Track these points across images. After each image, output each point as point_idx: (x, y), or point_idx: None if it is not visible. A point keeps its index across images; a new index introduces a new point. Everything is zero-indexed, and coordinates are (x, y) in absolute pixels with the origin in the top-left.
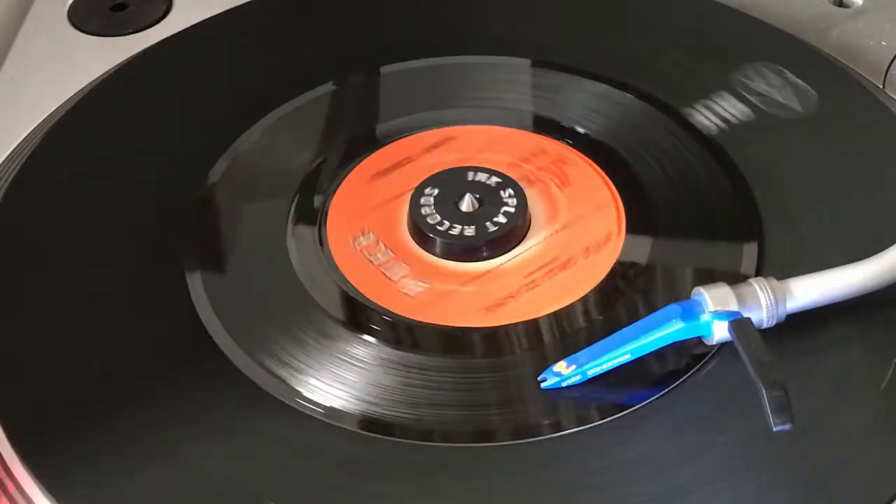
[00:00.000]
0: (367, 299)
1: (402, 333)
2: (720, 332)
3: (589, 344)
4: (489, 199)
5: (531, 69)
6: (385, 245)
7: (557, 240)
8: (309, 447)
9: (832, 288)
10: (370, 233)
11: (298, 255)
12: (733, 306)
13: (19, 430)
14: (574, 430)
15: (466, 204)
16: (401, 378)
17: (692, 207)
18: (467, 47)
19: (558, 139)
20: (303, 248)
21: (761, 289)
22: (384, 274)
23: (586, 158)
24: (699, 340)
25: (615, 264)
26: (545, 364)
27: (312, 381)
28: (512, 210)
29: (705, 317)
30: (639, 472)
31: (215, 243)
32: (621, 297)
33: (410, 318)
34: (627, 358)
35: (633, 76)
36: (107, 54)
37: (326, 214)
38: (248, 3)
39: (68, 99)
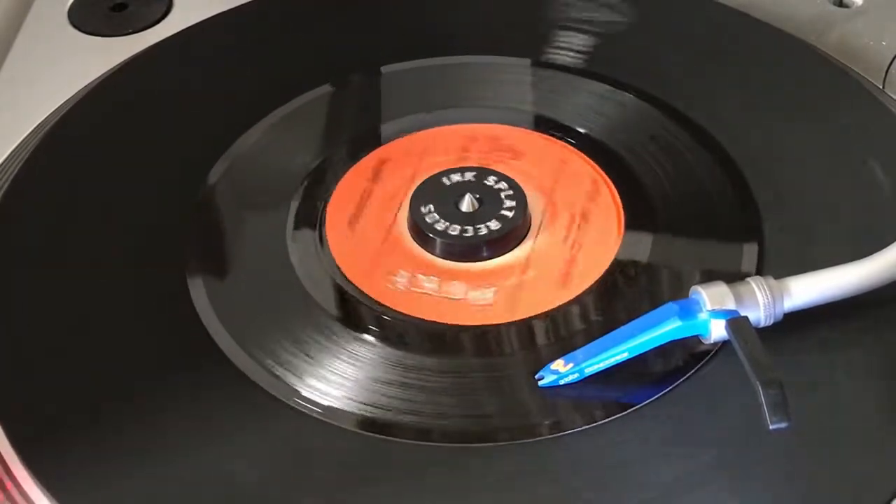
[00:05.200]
0: (367, 299)
1: (401, 333)
2: (717, 330)
3: (587, 343)
4: (489, 200)
5: (531, 69)
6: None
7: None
8: (309, 447)
9: (830, 287)
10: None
11: (298, 255)
12: (730, 305)
13: (19, 430)
14: (574, 429)
15: (466, 204)
16: (400, 377)
17: (692, 207)
18: (467, 47)
19: (558, 139)
20: (303, 248)
21: (759, 288)
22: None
23: (586, 158)
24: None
25: (615, 264)
26: (544, 363)
27: (312, 380)
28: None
29: (702, 315)
30: (639, 471)
31: (216, 243)
32: (621, 297)
33: (410, 317)
34: (625, 356)
35: (633, 76)
36: (107, 54)
37: (326, 214)
38: (248, 3)
39: (68, 99)
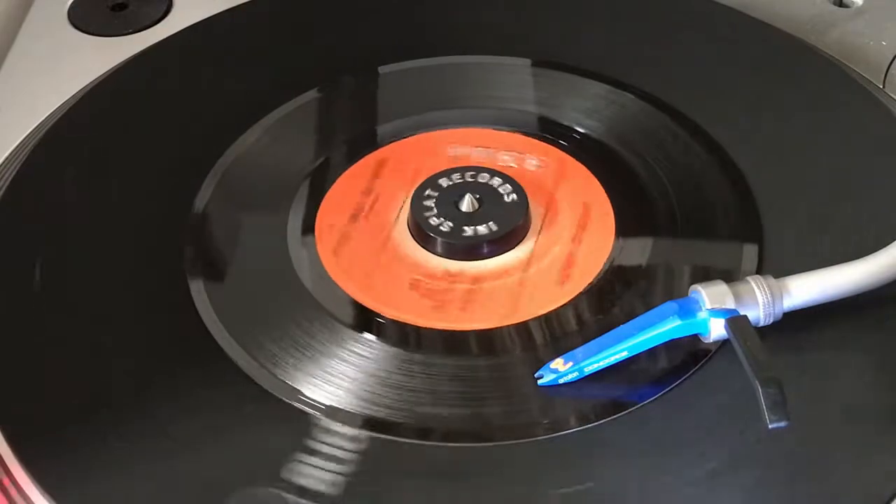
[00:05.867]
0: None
1: (401, 332)
2: (717, 329)
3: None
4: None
5: (531, 69)
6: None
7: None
8: (309, 447)
9: (829, 286)
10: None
11: (298, 255)
12: (730, 304)
13: (18, 430)
14: (573, 429)
15: (466, 204)
16: (400, 377)
17: (692, 207)
18: (467, 47)
19: (558, 139)
20: (303, 248)
21: (758, 287)
22: None
23: (586, 158)
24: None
25: (615, 264)
26: (544, 363)
27: (312, 380)
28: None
29: (702, 314)
30: (638, 470)
31: (216, 243)
32: (621, 297)
33: (410, 317)
34: (624, 355)
35: (633, 76)
36: (107, 54)
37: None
38: (248, 3)
39: (68, 99)
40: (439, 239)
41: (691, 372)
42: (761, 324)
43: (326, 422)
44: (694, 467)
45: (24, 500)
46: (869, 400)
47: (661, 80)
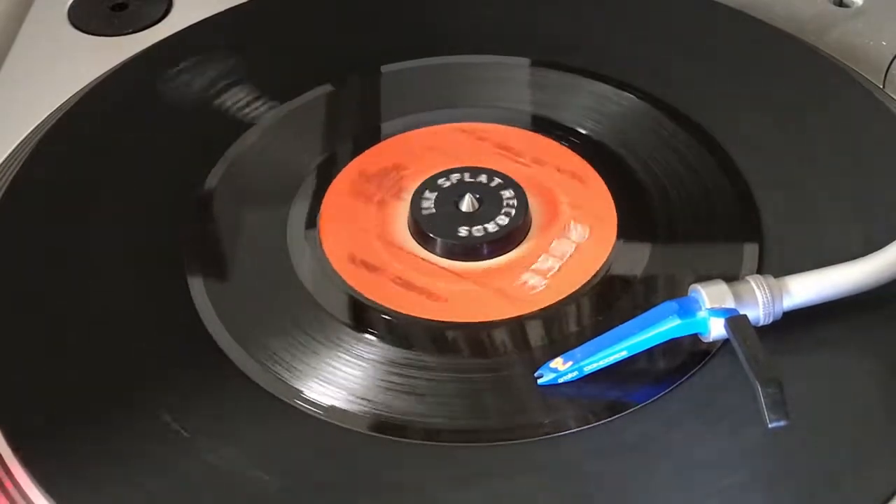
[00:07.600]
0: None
1: (401, 332)
2: (717, 329)
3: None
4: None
5: (531, 69)
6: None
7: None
8: (309, 447)
9: (829, 286)
10: None
11: (298, 255)
12: (730, 303)
13: (19, 431)
14: (574, 429)
15: (467, 204)
16: (400, 377)
17: (692, 207)
18: (467, 47)
19: (558, 139)
20: (303, 248)
21: (758, 286)
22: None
23: (586, 158)
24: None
25: (615, 264)
26: (543, 362)
27: (313, 380)
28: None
29: (702, 314)
30: (638, 470)
31: (216, 243)
32: (621, 297)
33: (410, 317)
34: (624, 354)
35: (633, 76)
36: (107, 54)
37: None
38: (248, 3)
39: (68, 99)
40: (439, 239)
41: (691, 372)
42: (761, 323)
43: (326, 421)
44: (693, 467)
45: (24, 500)
46: (869, 400)
47: (661, 80)
